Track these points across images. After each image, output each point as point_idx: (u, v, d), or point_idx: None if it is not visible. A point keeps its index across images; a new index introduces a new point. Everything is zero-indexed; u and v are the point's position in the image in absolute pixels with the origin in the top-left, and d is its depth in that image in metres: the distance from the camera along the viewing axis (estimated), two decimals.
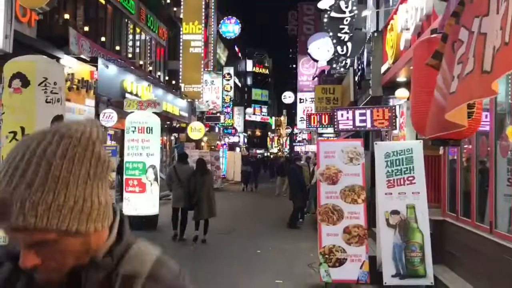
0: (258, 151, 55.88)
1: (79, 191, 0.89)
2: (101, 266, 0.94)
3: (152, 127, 11.12)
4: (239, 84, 48.55)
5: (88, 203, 0.90)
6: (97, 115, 14.42)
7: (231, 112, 35.57)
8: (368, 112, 8.27)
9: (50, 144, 0.89)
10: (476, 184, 5.80)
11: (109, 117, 14.43)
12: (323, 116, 17.13)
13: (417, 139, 7.19)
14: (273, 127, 72.87)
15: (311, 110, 23.45)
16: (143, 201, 10.89)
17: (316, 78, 24.62)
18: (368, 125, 8.34)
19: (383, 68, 9.51)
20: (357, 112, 8.48)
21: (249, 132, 57.79)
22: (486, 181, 5.49)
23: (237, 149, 39.01)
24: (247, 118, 49.08)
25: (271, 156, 55.51)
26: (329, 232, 6.16)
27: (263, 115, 61.89)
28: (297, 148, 52.32)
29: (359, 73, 11.91)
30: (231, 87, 32.73)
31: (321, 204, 6.28)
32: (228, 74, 32.70)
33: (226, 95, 31.87)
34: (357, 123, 8.50)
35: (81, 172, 0.89)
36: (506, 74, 1.86)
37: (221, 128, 35.39)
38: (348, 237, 6.14)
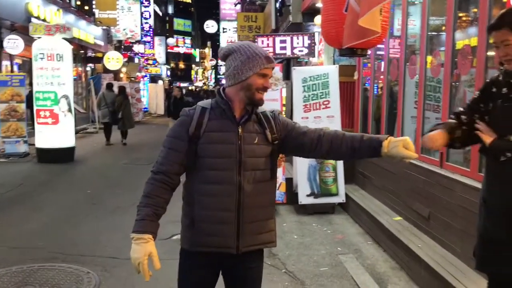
0: (182, 84, 54.63)
1: None
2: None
3: (62, 54, 10.35)
4: (160, 13, 46.11)
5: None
6: (1, 41, 13.18)
7: (151, 41, 33.99)
8: (288, 39, 8.25)
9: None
10: (386, 108, 6.10)
11: (14, 44, 13.26)
12: None
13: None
14: (198, 59, 71.08)
15: (235, 40, 23.04)
16: (56, 133, 10.35)
17: (239, 5, 23.99)
18: (288, 52, 8.36)
19: None
20: (278, 39, 8.43)
21: (172, 65, 55.89)
22: (395, 104, 5.78)
23: (160, 81, 37.82)
24: (170, 50, 47.27)
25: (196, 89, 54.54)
26: None
27: (187, 47, 59.84)
28: (223, 81, 51.54)
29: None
30: (150, 15, 31.05)
31: None
32: (147, 0, 30.89)
33: (146, 23, 30.28)
34: (278, 50, 8.48)
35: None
36: None
37: (142, 59, 33.93)
38: None
